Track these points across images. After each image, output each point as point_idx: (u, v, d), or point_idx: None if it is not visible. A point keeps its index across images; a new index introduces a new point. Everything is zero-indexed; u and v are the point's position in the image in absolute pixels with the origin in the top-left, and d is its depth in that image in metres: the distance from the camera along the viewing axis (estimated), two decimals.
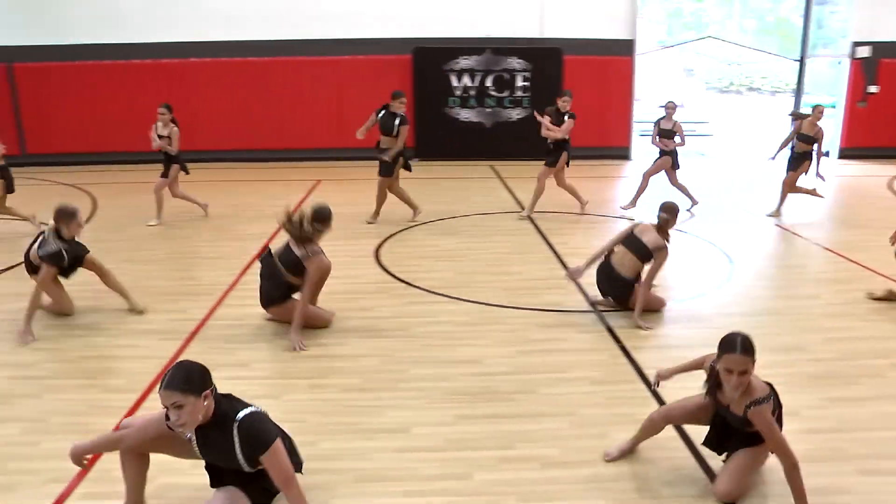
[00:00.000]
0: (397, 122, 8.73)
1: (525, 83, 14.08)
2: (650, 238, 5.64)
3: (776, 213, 9.27)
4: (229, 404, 3.00)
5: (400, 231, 8.51)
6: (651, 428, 3.68)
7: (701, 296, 6.32)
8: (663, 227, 5.65)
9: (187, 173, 9.23)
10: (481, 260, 7.40)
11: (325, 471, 3.63)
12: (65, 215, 5.60)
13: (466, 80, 14.06)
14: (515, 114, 14.11)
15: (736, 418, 3.32)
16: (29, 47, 14.06)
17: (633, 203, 9.64)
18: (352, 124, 13.68)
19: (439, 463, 3.71)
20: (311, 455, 3.76)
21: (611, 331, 5.43)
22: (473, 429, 4.04)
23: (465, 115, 14.18)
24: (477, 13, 13.88)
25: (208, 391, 2.86)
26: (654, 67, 26.54)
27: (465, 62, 13.98)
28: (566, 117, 8.91)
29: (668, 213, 5.64)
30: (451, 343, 5.26)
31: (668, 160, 9.59)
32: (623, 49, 14.11)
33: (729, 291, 6.48)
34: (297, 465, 3.28)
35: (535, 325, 5.58)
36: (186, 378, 2.83)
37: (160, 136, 8.83)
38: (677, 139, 9.56)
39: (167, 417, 2.88)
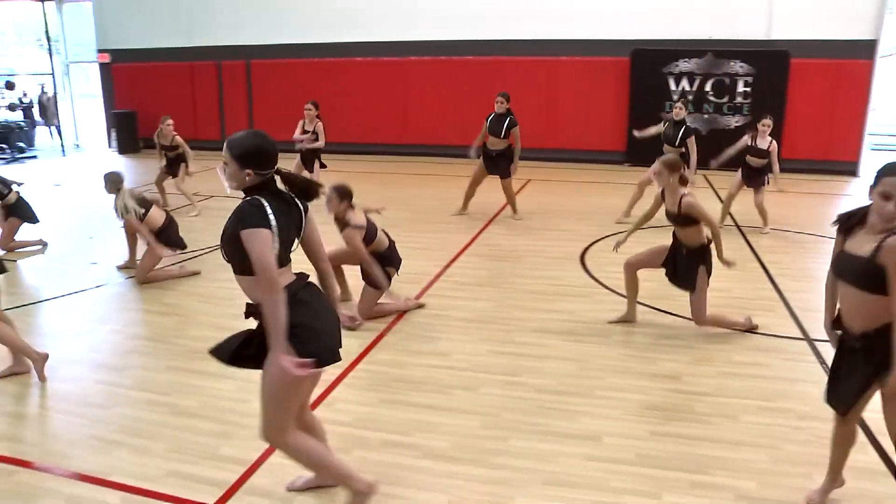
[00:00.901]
0: (507, 123, 8.85)
1: (746, 89, 13.33)
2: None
3: None
4: (267, 192, 3.05)
5: (607, 236, 8.40)
6: (839, 441, 3.36)
7: None
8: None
9: (324, 167, 9.88)
10: None
11: (513, 468, 3.72)
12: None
13: (685, 84, 13.58)
14: (734, 121, 13.41)
15: (859, 263, 2.96)
16: (264, 46, 15.58)
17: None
18: (563, 126, 13.81)
19: (629, 477, 3.66)
20: (501, 450, 3.88)
21: (823, 363, 5.06)
22: (667, 447, 3.94)
23: None
24: (700, 14, 13.31)
25: (250, 171, 3.00)
26: None
27: (684, 65, 13.50)
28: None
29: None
30: (651, 356, 5.16)
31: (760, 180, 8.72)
32: (862, 51, 12.81)
33: None
34: (324, 353, 3.02)
35: (739, 347, 5.32)
36: (235, 142, 3.04)
37: (306, 132, 9.54)
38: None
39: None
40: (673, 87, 13.60)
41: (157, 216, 6.97)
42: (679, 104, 8.93)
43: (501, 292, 6.49)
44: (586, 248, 7.91)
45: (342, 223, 5.64)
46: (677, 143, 8.85)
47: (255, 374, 4.76)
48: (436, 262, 7.36)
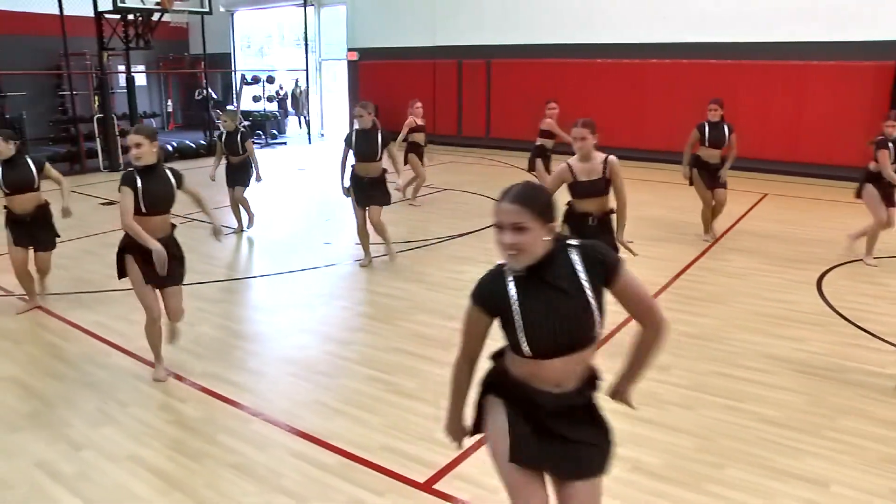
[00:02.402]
0: (726, 130, 8.18)
1: None
2: None
3: None
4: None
5: (850, 262, 7.65)
6: None
7: None
8: None
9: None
10: None
11: (726, 499, 3.49)
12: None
13: None
14: None
15: None
16: (504, 46, 15.91)
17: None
18: (809, 138, 12.75)
19: None
20: (715, 478, 3.67)
21: None
22: None
23: None
24: None
25: (554, 224, 2.29)
26: None
27: None
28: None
29: None
30: None
31: None
32: None
33: None
34: None
35: None
36: (536, 198, 2.26)
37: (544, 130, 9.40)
38: None
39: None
40: None
41: None
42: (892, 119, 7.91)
43: (729, 311, 6.14)
44: (824, 273, 7.25)
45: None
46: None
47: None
48: (664, 273, 7.12)
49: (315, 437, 4.05)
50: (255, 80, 20.10)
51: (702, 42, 13.56)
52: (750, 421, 4.24)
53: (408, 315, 6.04)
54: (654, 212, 9.88)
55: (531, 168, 9.71)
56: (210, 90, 19.67)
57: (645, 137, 13.15)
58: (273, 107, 19.94)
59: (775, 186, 12.02)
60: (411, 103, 10.57)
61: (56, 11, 14.03)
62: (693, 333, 5.55)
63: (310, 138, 19.15)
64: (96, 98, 16.37)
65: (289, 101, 20.60)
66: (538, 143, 9.65)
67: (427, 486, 3.55)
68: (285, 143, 18.61)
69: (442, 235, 8.22)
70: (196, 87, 19.94)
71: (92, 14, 14.35)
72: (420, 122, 10.46)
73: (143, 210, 4.46)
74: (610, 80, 14.41)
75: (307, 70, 19.24)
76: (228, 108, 10.78)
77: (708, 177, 8.35)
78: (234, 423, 4.26)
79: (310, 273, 7.28)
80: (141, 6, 14.27)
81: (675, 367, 4.99)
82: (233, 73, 21.27)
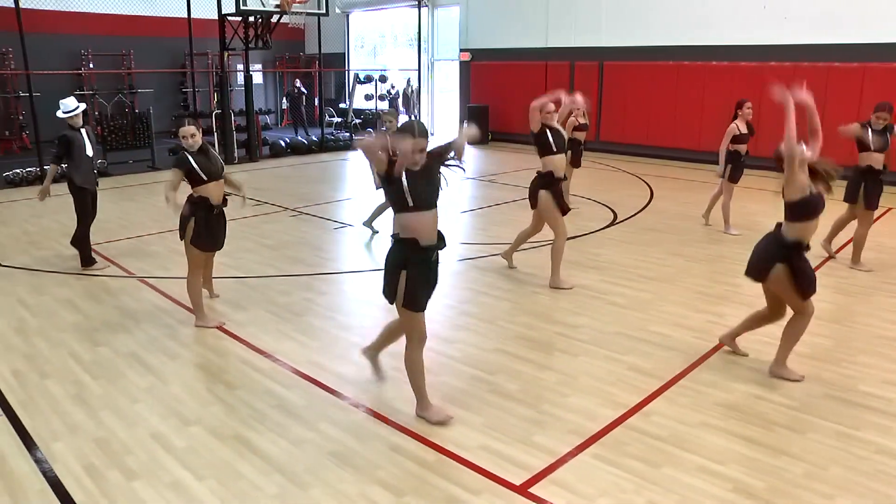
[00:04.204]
0: (889, 135, 7.46)
1: None
2: None
3: None
4: None
5: None
6: None
7: None
8: None
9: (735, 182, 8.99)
10: None
11: None
12: None
13: None
14: None
15: None
16: (617, 48, 15.69)
17: None
18: None
19: None
20: None
21: None
22: None
23: None
24: None
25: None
26: None
27: None
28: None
29: None
30: None
31: None
32: None
33: None
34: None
35: None
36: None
37: (741, 135, 8.76)
38: None
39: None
40: None
41: None
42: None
43: (845, 331, 5.81)
44: None
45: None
46: None
47: (573, 371, 4.88)
48: None
49: (414, 432, 4.09)
50: (368, 79, 20.55)
51: (825, 44, 12.92)
52: (867, 451, 3.97)
53: (511, 316, 6.04)
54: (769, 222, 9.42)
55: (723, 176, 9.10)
56: (301, 86, 20.27)
57: (761, 145, 12.57)
58: (385, 105, 20.32)
59: None
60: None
61: (184, 15, 14.91)
62: (806, 353, 5.27)
63: None
64: (216, 95, 17.19)
65: (400, 100, 20.95)
66: (732, 149, 9.03)
67: (523, 489, 3.53)
68: None
69: (548, 239, 8.14)
70: (307, 85, 20.57)
71: (216, 17, 15.21)
72: (582, 120, 10.20)
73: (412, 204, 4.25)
74: (726, 84, 13.92)
75: (419, 69, 19.51)
76: (390, 108, 10.91)
77: (874, 189, 7.49)
78: (335, 413, 4.36)
79: None
80: (261, 8, 14.86)
81: (785, 386, 4.77)
82: (346, 72, 21.83)
